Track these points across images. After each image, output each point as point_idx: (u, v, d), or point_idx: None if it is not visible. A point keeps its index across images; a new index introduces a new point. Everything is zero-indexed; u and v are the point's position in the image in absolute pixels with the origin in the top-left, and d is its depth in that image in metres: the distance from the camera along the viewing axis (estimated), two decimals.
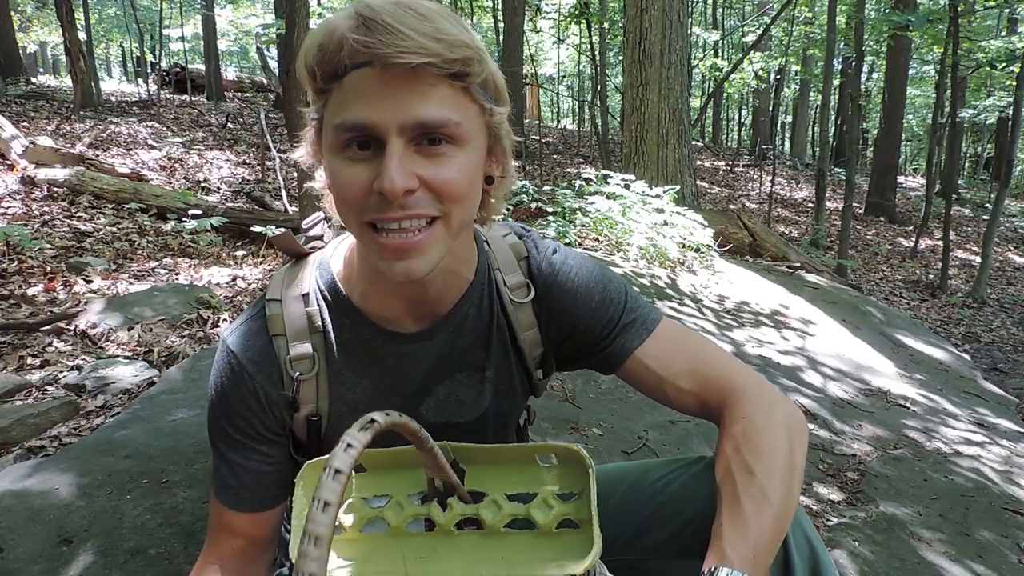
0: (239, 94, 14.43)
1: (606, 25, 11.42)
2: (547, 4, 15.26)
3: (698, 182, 8.06)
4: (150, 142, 8.14)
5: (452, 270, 0.86)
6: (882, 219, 12.56)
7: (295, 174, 6.18)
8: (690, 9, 12.11)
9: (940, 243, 9.26)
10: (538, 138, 12.55)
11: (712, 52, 17.04)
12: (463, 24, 0.73)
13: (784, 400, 0.88)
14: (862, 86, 16.07)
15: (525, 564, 0.80)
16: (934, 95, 12.60)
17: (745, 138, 20.96)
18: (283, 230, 0.94)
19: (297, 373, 0.86)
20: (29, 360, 2.55)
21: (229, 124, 10.23)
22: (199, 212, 5.06)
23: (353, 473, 0.86)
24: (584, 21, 11.16)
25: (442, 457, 0.76)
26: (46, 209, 4.98)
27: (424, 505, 0.83)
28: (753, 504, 0.76)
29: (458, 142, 0.72)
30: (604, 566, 0.80)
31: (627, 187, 5.11)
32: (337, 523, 0.84)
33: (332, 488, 0.53)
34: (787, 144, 21.53)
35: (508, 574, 0.79)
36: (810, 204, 12.44)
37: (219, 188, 6.92)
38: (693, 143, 7.84)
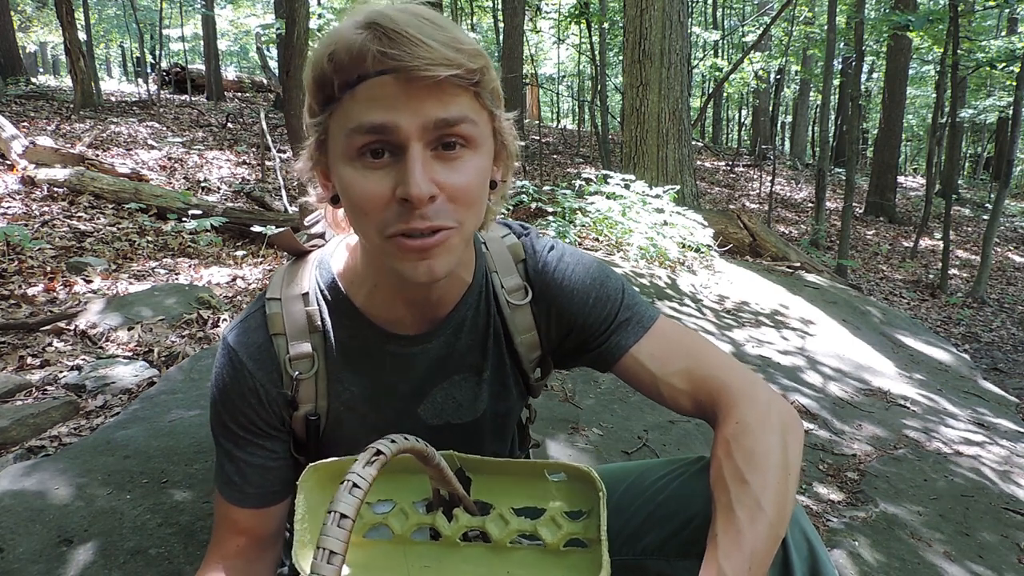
0: (239, 94, 14.43)
1: (606, 25, 11.42)
2: (547, 4, 15.26)
3: (698, 182, 8.06)
4: (150, 142, 8.14)
5: (453, 272, 0.86)
6: (882, 219, 12.56)
7: (295, 174, 6.18)
8: (690, 9, 12.11)
9: (940, 243, 9.26)
10: (538, 138, 12.55)
11: (712, 52, 17.05)
12: (464, 31, 0.73)
13: (779, 400, 0.87)
14: (862, 86, 16.07)
15: None
16: (934, 95, 12.62)
17: (745, 138, 20.96)
18: (282, 229, 0.94)
19: (296, 372, 0.86)
20: (29, 360, 2.54)
21: (229, 124, 10.23)
22: (199, 212, 5.05)
23: None
24: (584, 21, 11.16)
25: (449, 472, 0.75)
26: (46, 209, 4.98)
27: (429, 514, 0.83)
28: (747, 514, 0.76)
29: (472, 145, 0.73)
30: None
31: (627, 187, 5.11)
32: None
33: (337, 535, 0.51)
34: (787, 144, 21.52)
35: None
36: (810, 204, 12.44)
37: (219, 188, 6.92)
38: (693, 143, 7.84)
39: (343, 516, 0.52)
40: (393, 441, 0.62)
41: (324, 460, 0.81)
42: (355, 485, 0.54)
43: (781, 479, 0.79)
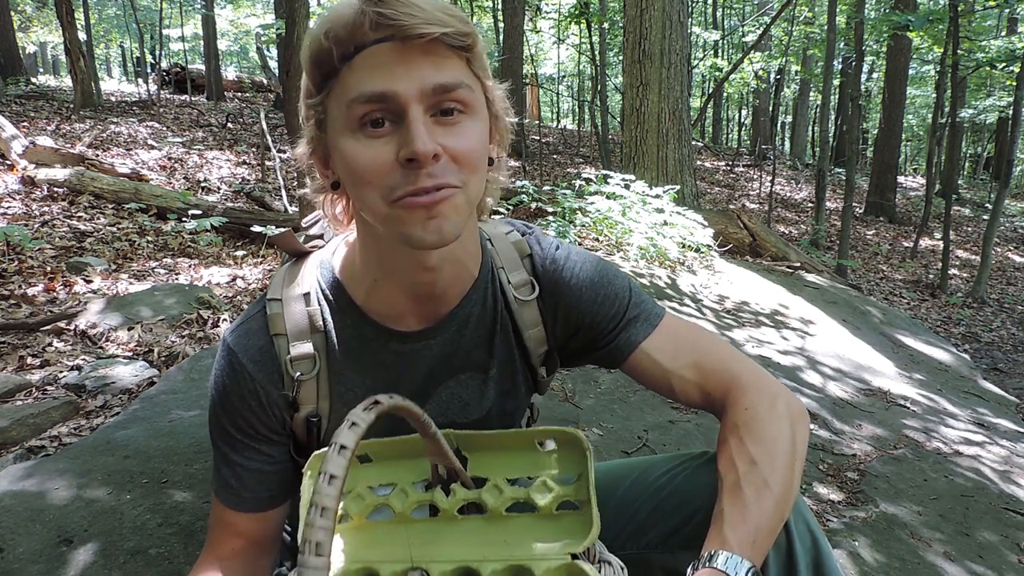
0: (239, 94, 14.43)
1: (606, 25, 11.42)
2: (547, 4, 15.26)
3: (698, 182, 8.06)
4: (150, 142, 8.14)
5: (459, 260, 0.86)
6: (882, 219, 12.56)
7: (295, 174, 6.18)
8: (690, 9, 12.11)
9: (940, 243, 9.26)
10: (538, 138, 12.55)
11: (712, 52, 17.05)
12: None
13: (787, 392, 0.89)
14: (862, 86, 16.07)
15: (527, 546, 0.81)
16: (934, 95, 12.62)
17: (745, 138, 20.96)
18: (283, 229, 0.94)
19: (297, 373, 0.86)
20: (29, 360, 2.55)
21: (229, 124, 10.23)
22: (199, 212, 5.06)
23: (359, 463, 0.87)
24: (584, 21, 11.16)
25: (444, 443, 0.77)
26: (46, 209, 4.98)
27: (428, 491, 0.84)
28: (754, 491, 0.77)
29: (469, 110, 0.74)
30: (603, 546, 0.81)
31: (627, 187, 5.11)
32: (343, 512, 0.85)
33: (338, 462, 0.55)
34: (787, 144, 21.52)
35: (510, 556, 0.80)
36: (810, 204, 12.44)
37: (219, 188, 6.92)
38: (693, 143, 7.84)
39: (343, 447, 0.56)
40: (391, 397, 0.65)
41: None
42: (354, 423, 0.58)
43: (788, 463, 0.81)
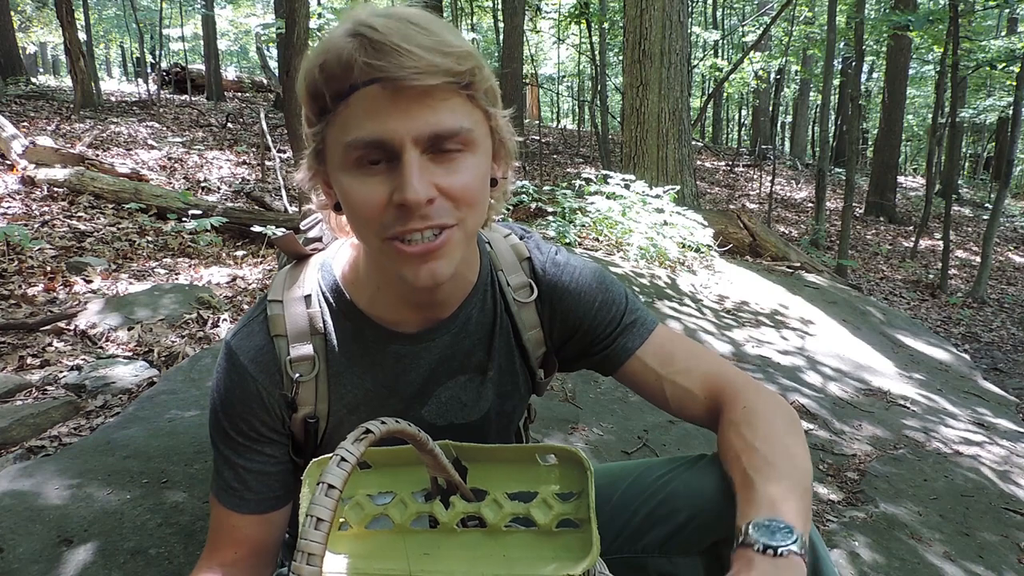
0: (239, 94, 14.43)
1: (606, 25, 11.43)
2: (547, 4, 15.26)
3: (698, 182, 8.06)
4: (150, 142, 8.14)
5: (458, 273, 0.86)
6: (882, 219, 12.56)
7: (296, 183, 6.18)
8: (690, 9, 12.11)
9: (940, 243, 9.26)
10: (538, 138, 12.55)
11: (712, 52, 17.04)
12: (456, 30, 0.73)
13: (780, 397, 0.92)
14: (862, 86, 16.07)
15: (525, 563, 0.80)
16: (934, 95, 12.62)
17: (745, 138, 20.95)
18: (284, 231, 0.94)
19: (297, 375, 0.86)
20: (29, 360, 2.55)
21: (229, 124, 10.23)
22: (199, 212, 5.05)
23: (358, 468, 0.87)
24: (584, 21, 11.16)
25: (443, 457, 0.77)
26: (46, 209, 4.98)
27: (427, 503, 0.84)
28: (761, 475, 0.78)
29: (469, 147, 0.73)
30: (604, 565, 0.80)
31: (627, 187, 5.11)
32: (342, 520, 0.85)
33: (325, 504, 0.54)
34: (787, 144, 21.52)
35: (509, 572, 0.79)
36: (810, 204, 12.44)
37: (219, 188, 6.92)
38: (693, 143, 7.84)
39: (331, 487, 0.55)
40: (383, 422, 0.64)
41: (327, 455, 0.82)
42: (343, 459, 0.58)
43: (787, 453, 0.81)
